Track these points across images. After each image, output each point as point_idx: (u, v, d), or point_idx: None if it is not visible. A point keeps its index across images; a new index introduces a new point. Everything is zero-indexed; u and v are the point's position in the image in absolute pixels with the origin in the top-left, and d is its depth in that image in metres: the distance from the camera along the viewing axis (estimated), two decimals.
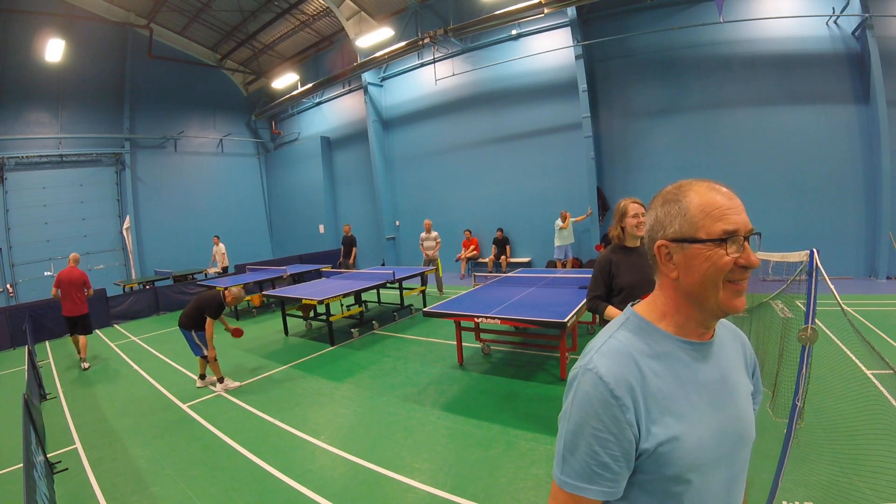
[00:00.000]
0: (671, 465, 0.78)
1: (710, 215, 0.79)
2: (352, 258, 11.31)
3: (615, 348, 0.82)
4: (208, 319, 5.07)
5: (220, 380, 5.23)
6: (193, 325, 5.17)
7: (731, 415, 0.85)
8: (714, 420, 0.82)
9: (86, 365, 6.52)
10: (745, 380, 0.94)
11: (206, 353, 5.16)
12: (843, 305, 1.89)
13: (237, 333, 5.68)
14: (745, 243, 0.79)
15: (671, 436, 0.77)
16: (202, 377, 5.37)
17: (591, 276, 2.83)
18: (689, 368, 0.83)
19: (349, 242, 11.39)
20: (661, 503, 0.81)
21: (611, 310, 2.66)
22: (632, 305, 0.92)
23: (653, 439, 0.77)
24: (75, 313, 6.61)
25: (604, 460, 0.76)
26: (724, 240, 0.78)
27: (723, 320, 0.93)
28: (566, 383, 0.85)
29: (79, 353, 6.65)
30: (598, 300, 2.73)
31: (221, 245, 12.12)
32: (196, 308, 5.21)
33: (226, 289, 5.37)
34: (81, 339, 6.65)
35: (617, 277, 2.73)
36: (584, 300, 4.39)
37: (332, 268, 10.90)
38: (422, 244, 9.80)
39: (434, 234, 9.77)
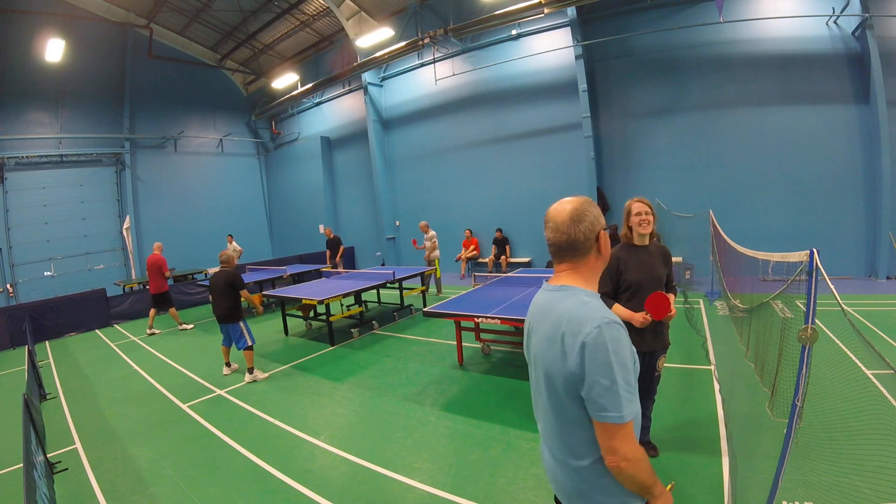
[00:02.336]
0: None
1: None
2: (337, 258, 11.45)
3: (601, 306, 1.17)
4: (244, 292, 5.47)
5: (251, 370, 5.42)
6: (239, 313, 5.40)
7: None
8: None
9: (151, 330, 8.28)
10: None
11: (249, 343, 5.36)
12: (843, 305, 1.89)
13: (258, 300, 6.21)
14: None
15: None
16: (250, 370, 5.44)
17: None
18: None
19: (334, 244, 11.50)
20: None
21: (617, 307, 2.66)
22: (564, 280, 1.25)
23: None
24: (153, 291, 8.37)
25: (634, 380, 1.11)
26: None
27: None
28: (578, 351, 1.08)
29: (178, 322, 8.66)
30: (605, 297, 2.73)
31: (235, 244, 12.11)
32: (232, 293, 5.37)
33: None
34: (171, 310, 8.61)
35: (624, 274, 2.75)
36: None
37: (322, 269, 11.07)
38: (423, 245, 9.80)
39: (431, 233, 9.74)
